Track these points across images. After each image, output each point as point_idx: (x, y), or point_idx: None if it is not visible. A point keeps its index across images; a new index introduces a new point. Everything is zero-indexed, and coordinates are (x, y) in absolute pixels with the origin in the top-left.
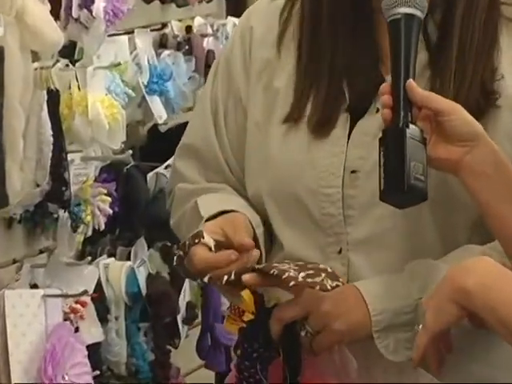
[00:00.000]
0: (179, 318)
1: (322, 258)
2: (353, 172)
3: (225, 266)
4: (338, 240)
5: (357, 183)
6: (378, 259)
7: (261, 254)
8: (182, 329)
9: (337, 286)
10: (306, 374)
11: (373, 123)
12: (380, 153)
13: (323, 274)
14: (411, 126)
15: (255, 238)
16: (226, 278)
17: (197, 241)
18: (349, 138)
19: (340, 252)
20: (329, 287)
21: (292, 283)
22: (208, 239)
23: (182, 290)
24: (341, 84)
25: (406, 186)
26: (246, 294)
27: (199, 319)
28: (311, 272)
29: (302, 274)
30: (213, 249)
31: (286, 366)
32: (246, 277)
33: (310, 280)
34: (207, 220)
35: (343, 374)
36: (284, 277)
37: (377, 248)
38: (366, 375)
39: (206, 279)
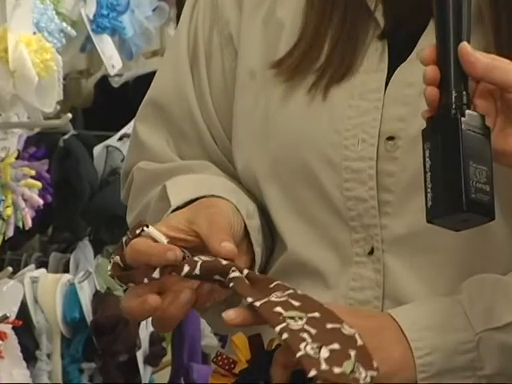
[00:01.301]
0: (140, 356)
1: (341, 261)
2: (390, 139)
3: (157, 265)
4: (368, 236)
5: (396, 155)
6: (426, 264)
7: (254, 258)
8: (144, 371)
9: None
10: None
11: (421, 69)
12: (424, 152)
13: (352, 353)
14: (467, 111)
15: (246, 235)
16: (186, 268)
17: (138, 232)
18: (385, 90)
19: (371, 253)
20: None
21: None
22: (153, 230)
23: None
24: (372, 8)
25: (465, 204)
26: (237, 337)
27: (169, 357)
28: (334, 346)
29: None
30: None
31: None
32: (228, 315)
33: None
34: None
35: None
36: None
37: (425, 248)
38: None
39: (155, 274)
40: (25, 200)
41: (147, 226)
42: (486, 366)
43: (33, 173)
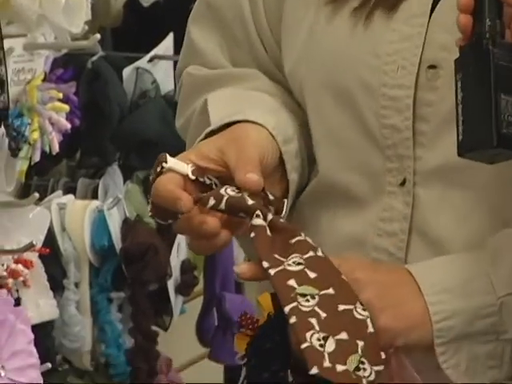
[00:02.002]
0: (170, 285)
1: (374, 190)
2: (431, 67)
3: (175, 209)
4: (400, 166)
5: (436, 84)
6: (459, 199)
7: (288, 185)
8: (176, 301)
9: None
10: None
11: None
12: (456, 83)
13: (360, 344)
14: (501, 41)
15: (281, 162)
16: (212, 202)
17: (158, 169)
18: (431, 16)
19: (403, 184)
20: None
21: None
22: (174, 164)
23: (175, 244)
24: None
25: (495, 139)
26: (263, 297)
27: (200, 286)
28: (342, 336)
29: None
30: (190, 175)
31: None
32: (240, 268)
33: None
34: (212, 133)
35: None
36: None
37: (459, 182)
38: None
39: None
40: (52, 124)
41: (166, 162)
42: (509, 330)
43: (60, 95)
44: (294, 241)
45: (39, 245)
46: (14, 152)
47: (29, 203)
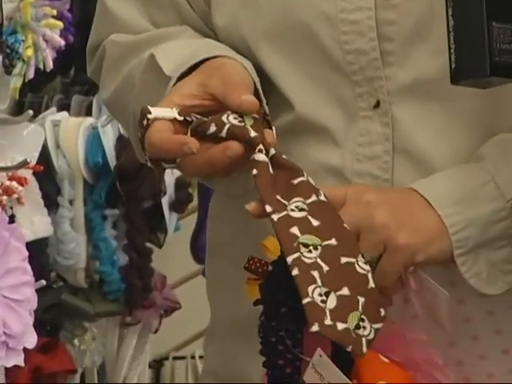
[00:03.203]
0: (165, 202)
1: (347, 118)
2: None
3: (181, 156)
4: (372, 89)
5: (394, 2)
6: (437, 112)
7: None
8: (170, 218)
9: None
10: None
11: None
12: (447, 10)
13: (361, 301)
14: None
15: (256, 91)
16: (213, 128)
17: (144, 123)
18: None
19: (377, 106)
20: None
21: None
22: (159, 112)
23: None
24: None
25: (488, 68)
26: (268, 241)
27: (195, 203)
28: (343, 292)
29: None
30: (177, 117)
31: None
32: (251, 205)
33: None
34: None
35: (432, 315)
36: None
37: (435, 95)
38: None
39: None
40: (46, 41)
41: (150, 113)
42: None
43: (54, 12)
44: (296, 182)
45: (33, 162)
46: (8, 69)
47: (23, 120)
